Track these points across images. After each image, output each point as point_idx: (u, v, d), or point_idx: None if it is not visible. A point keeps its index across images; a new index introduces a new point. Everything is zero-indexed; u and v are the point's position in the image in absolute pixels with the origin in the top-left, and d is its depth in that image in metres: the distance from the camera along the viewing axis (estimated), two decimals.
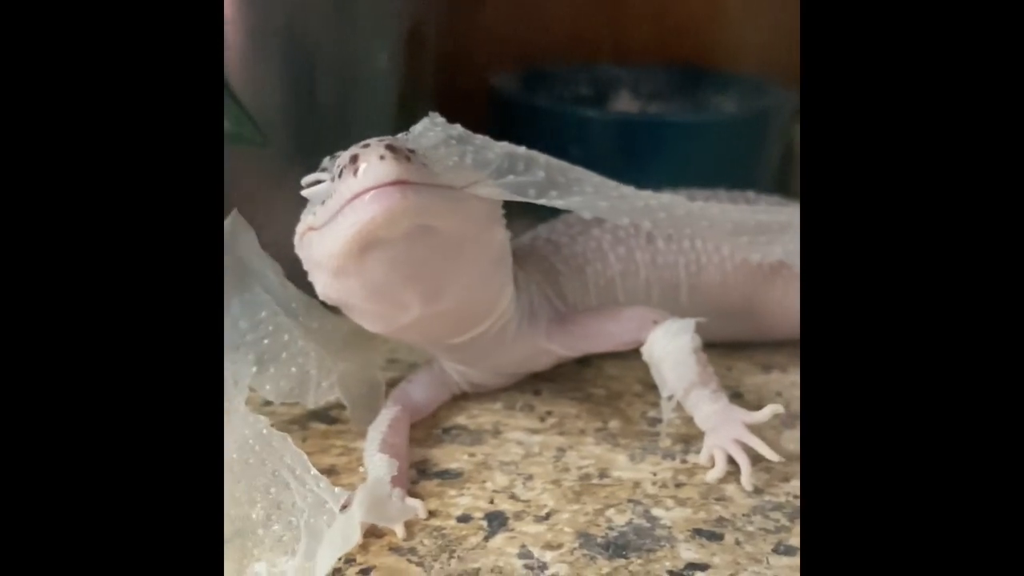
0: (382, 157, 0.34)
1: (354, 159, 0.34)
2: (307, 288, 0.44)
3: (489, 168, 0.38)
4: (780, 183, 0.73)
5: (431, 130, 0.37)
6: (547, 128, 0.73)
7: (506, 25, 0.84)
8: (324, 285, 0.39)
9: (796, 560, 0.37)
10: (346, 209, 0.35)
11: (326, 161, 0.38)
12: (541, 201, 0.39)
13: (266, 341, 0.44)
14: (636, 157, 0.71)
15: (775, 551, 0.38)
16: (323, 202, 0.36)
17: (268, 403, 0.46)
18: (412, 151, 0.36)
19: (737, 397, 0.50)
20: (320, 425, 0.47)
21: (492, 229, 0.40)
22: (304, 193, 0.38)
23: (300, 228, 0.39)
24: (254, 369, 0.43)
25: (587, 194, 0.40)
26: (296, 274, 0.42)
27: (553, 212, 0.53)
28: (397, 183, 0.34)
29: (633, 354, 0.45)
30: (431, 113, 0.38)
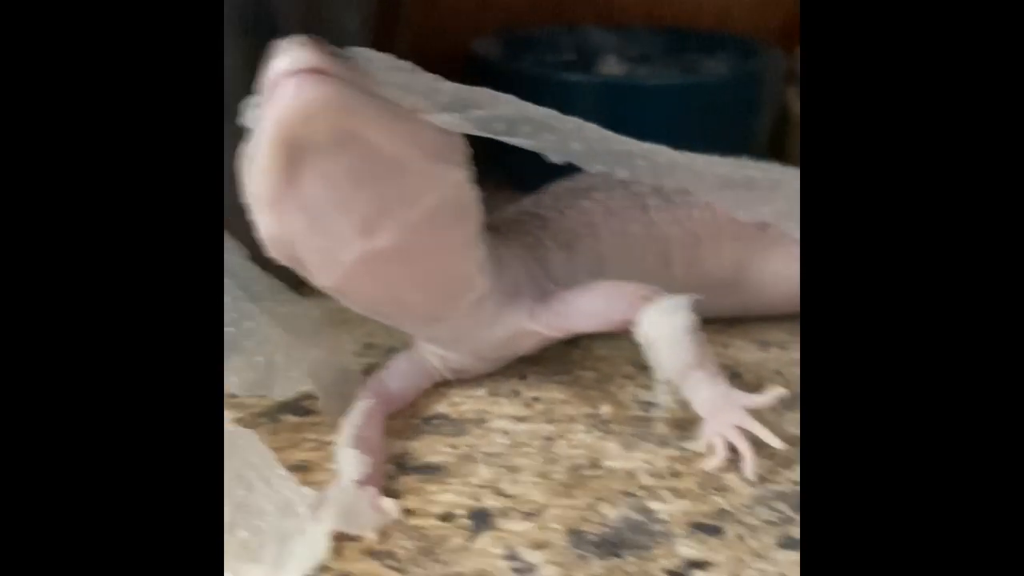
0: (301, 44, 0.31)
1: (277, 55, 0.31)
2: (272, 271, 0.41)
3: (442, 99, 0.35)
4: (774, 148, 0.71)
5: (376, 60, 0.34)
6: (531, 94, 0.68)
7: None
8: (266, 225, 0.35)
9: None
10: (266, 109, 0.31)
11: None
12: (504, 138, 0.35)
13: (230, 329, 0.41)
14: (623, 122, 0.67)
15: (779, 545, 0.35)
16: None
17: (235, 395, 0.43)
18: (348, 58, 0.32)
19: (735, 377, 0.47)
20: (292, 417, 0.44)
21: (445, 165, 0.35)
22: (244, 122, 0.35)
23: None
24: None
25: (562, 132, 0.36)
26: (261, 257, 0.39)
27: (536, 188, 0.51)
28: (315, 71, 0.30)
29: (623, 333, 0.42)
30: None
